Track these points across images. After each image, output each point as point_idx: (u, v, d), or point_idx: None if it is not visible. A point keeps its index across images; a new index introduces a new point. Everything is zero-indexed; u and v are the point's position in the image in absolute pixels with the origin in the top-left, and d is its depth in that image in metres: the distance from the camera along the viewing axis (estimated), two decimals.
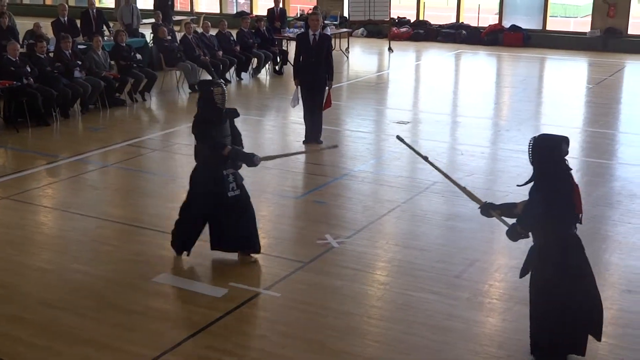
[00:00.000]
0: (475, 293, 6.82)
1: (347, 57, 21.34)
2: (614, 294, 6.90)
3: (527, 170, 10.93)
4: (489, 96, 16.65)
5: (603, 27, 22.88)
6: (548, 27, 24.15)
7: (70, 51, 13.79)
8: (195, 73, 16.23)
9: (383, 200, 9.34)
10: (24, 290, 6.91)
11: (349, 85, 17.37)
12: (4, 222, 8.66)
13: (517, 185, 5.84)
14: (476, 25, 24.98)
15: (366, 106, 15.09)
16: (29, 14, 27.44)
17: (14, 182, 9.99)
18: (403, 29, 25.04)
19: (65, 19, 17.21)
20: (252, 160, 7.18)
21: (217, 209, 7.21)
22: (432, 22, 25.39)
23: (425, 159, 6.85)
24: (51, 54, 14.08)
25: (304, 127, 11.95)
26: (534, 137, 5.57)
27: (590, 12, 23.51)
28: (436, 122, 13.64)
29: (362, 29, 25.65)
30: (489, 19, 26.47)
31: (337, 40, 21.73)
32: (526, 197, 5.70)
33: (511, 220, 5.77)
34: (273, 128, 13.65)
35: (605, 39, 22.74)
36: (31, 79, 12.77)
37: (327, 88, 11.68)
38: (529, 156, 5.55)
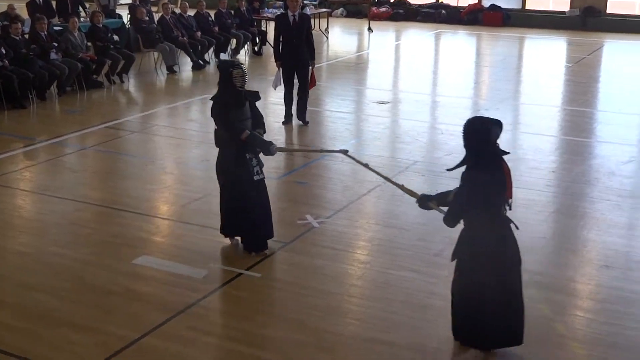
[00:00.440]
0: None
1: (327, 37, 21.27)
2: (591, 270, 6.97)
3: (506, 148, 11.00)
4: (468, 76, 16.67)
5: (582, 6, 22.96)
6: (527, 7, 24.21)
7: (45, 33, 13.63)
8: (174, 54, 16.13)
9: (363, 180, 9.34)
10: (2, 274, 6.86)
11: (329, 66, 17.32)
12: None
13: (447, 170, 5.68)
14: (456, 4, 24.97)
15: (346, 86, 15.07)
16: None
17: None
18: (383, 9, 24.99)
19: (41, 0, 17.00)
20: (268, 149, 6.85)
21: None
22: (411, 2, 25.37)
23: (366, 165, 6.76)
24: (26, 36, 13.92)
25: (283, 108, 11.92)
26: (468, 119, 5.42)
27: None
28: (416, 101, 13.65)
29: (341, 9, 25.58)
30: None
31: (317, 21, 21.66)
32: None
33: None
34: None
35: (584, 18, 22.83)
36: (6, 61, 12.62)
37: (310, 68, 11.63)
38: (463, 139, 5.36)
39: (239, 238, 7.25)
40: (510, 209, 5.38)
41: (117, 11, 19.20)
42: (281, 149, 7.35)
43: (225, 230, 7.25)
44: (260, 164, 7.01)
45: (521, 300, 5.41)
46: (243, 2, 18.65)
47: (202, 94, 14.26)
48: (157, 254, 7.28)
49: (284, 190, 9.13)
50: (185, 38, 16.41)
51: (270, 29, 20.65)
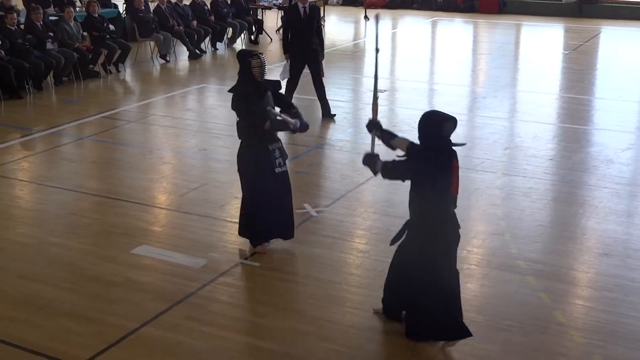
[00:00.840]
0: None
1: (323, 26, 21.20)
2: (590, 257, 6.98)
3: (504, 136, 11.04)
4: (465, 63, 16.65)
5: None
6: None
7: (41, 23, 13.57)
8: (169, 44, 16.08)
9: (361, 169, 9.25)
10: (1, 265, 6.85)
11: (326, 54, 17.21)
12: None
13: (397, 157, 5.60)
14: None
15: (343, 75, 15.04)
16: None
17: None
18: None
19: None
20: (293, 128, 6.67)
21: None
22: None
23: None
24: (22, 26, 13.86)
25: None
26: (425, 112, 5.48)
27: None
28: (413, 90, 13.63)
29: None
30: None
31: None
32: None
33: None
34: None
35: (580, 5, 22.79)
36: (2, 52, 12.58)
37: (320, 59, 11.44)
38: (418, 131, 5.39)
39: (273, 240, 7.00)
40: (455, 206, 5.44)
41: (113, 1, 19.11)
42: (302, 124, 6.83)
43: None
44: (283, 156, 6.83)
45: (457, 292, 5.50)
46: None
47: (199, 84, 14.24)
48: (156, 243, 7.27)
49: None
50: (181, 27, 16.36)
51: (267, 17, 20.67)
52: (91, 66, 14.50)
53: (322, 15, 21.63)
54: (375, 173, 5.58)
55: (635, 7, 22.64)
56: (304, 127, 6.81)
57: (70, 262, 6.85)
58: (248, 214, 6.88)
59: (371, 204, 8.33)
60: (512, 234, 7.40)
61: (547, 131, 11.09)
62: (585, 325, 5.82)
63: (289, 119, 6.68)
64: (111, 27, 15.22)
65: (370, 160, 5.60)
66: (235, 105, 6.84)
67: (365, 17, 22.21)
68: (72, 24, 14.22)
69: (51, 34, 13.64)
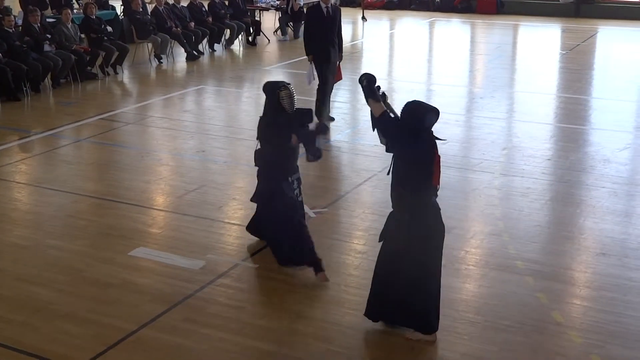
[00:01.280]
0: (452, 260, 6.86)
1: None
2: (588, 257, 6.98)
3: (502, 136, 11.05)
4: (463, 64, 16.66)
5: None
6: None
7: (39, 25, 13.57)
8: (166, 45, 16.08)
9: (359, 170, 9.34)
10: (0, 267, 6.85)
11: None
12: None
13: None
14: None
15: None
16: None
17: None
18: None
19: None
20: (325, 132, 6.71)
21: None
22: None
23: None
24: (19, 28, 13.86)
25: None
26: (408, 101, 5.55)
27: None
28: (411, 90, 13.63)
29: None
30: None
31: None
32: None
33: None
34: (248, 99, 13.57)
35: (577, 5, 22.82)
36: (0, 54, 12.57)
37: (337, 62, 11.28)
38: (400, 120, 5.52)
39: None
40: (436, 196, 5.55)
41: (110, 2, 19.10)
42: (323, 126, 6.83)
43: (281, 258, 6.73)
44: (299, 187, 6.73)
45: (438, 285, 5.60)
46: None
47: (197, 85, 14.23)
48: (154, 245, 7.27)
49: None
50: (179, 29, 16.36)
51: (264, 19, 20.67)
52: (89, 68, 14.49)
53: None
54: (371, 98, 5.71)
55: (632, 7, 22.66)
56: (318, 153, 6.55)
57: (67, 264, 6.85)
58: (291, 241, 6.56)
59: (369, 204, 8.33)
60: (510, 234, 7.41)
61: (545, 131, 11.10)
62: (583, 325, 5.82)
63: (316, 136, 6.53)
64: (109, 28, 15.21)
65: (371, 91, 5.72)
66: (262, 135, 6.61)
67: (363, 17, 22.21)
68: (69, 26, 14.21)
69: (49, 36, 13.64)
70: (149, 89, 14.23)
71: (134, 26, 16.12)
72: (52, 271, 6.72)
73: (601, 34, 20.34)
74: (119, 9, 18.84)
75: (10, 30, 13.10)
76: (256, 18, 19.69)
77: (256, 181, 6.90)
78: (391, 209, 5.65)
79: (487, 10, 23.42)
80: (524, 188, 8.62)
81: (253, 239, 7.30)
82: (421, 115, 5.39)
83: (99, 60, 14.67)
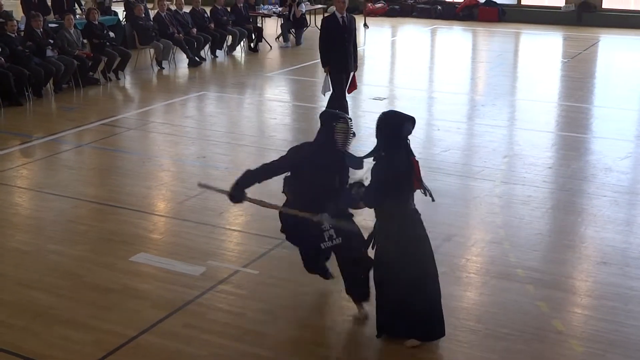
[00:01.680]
0: (453, 267, 6.86)
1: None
2: (589, 266, 6.97)
3: (503, 144, 11.04)
4: (464, 71, 16.66)
5: (577, 1, 22.96)
6: (523, 2, 24.19)
7: (41, 30, 13.60)
8: (168, 51, 16.10)
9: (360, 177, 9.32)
10: (0, 272, 6.85)
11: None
12: None
13: (363, 157, 5.67)
14: (451, 0, 24.95)
15: None
16: None
17: None
18: (378, 5, 24.96)
19: None
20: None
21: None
22: None
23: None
24: (22, 33, 13.88)
25: (279, 103, 11.88)
26: (383, 112, 5.55)
27: None
28: (412, 97, 13.64)
29: None
30: None
31: (312, 17, 21.66)
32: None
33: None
34: (249, 106, 13.58)
35: (579, 13, 22.83)
36: (2, 59, 12.60)
37: (352, 71, 11.06)
38: (375, 130, 5.46)
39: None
40: (425, 193, 5.55)
41: (113, 8, 19.15)
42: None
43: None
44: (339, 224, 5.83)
45: (438, 290, 5.62)
46: None
47: (198, 91, 14.25)
48: (155, 251, 7.27)
49: (280, 187, 9.10)
50: (181, 35, 16.38)
51: (266, 25, 20.69)
52: (91, 73, 14.51)
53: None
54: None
55: (634, 16, 22.67)
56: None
57: (68, 270, 6.85)
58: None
59: (370, 212, 8.26)
60: (511, 242, 7.40)
61: (546, 139, 11.10)
62: (584, 334, 5.81)
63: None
64: (111, 34, 15.25)
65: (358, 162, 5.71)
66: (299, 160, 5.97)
67: (365, 25, 22.23)
68: (72, 32, 14.23)
69: (51, 41, 13.66)
70: (150, 95, 14.24)
71: (136, 32, 16.15)
72: (53, 276, 6.72)
73: (603, 43, 20.36)
74: (122, 15, 18.87)
75: (13, 35, 13.13)
76: (258, 25, 19.71)
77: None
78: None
79: (488, 18, 23.44)
80: (525, 196, 8.62)
81: (253, 244, 7.30)
82: (399, 125, 5.40)
83: (101, 66, 14.69)
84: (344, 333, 5.82)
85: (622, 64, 17.37)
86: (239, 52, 18.30)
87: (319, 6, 22.53)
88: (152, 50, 16.21)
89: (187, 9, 17.46)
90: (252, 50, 18.61)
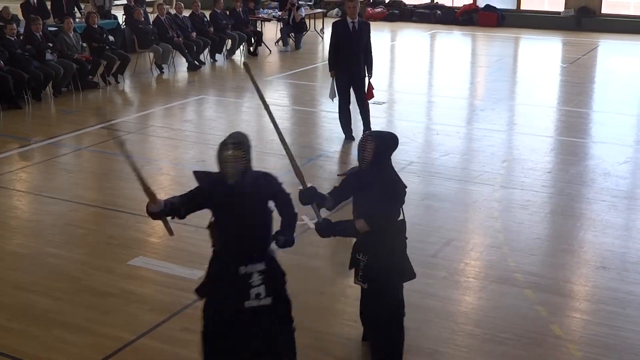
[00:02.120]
0: (452, 272, 6.86)
1: (322, 38, 21.26)
2: (588, 271, 6.97)
3: (502, 149, 11.03)
4: (464, 76, 16.67)
5: (577, 6, 22.98)
6: (522, 7, 24.21)
7: (40, 33, 13.61)
8: (167, 55, 16.12)
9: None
10: None
11: (324, 66, 17.25)
12: None
13: (338, 175, 5.48)
14: (451, 5, 24.97)
15: None
16: None
17: None
18: (378, 9, 24.99)
19: (35, 0, 16.95)
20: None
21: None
22: (406, 3, 25.36)
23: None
24: (21, 37, 13.89)
25: (279, 107, 11.88)
26: (373, 134, 5.24)
27: None
28: (412, 102, 13.65)
29: (336, 9, 25.53)
30: None
31: (312, 21, 21.68)
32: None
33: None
34: (249, 109, 13.58)
35: (578, 18, 22.85)
36: (1, 62, 12.60)
37: (367, 78, 10.89)
38: (368, 153, 5.08)
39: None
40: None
41: (113, 12, 19.16)
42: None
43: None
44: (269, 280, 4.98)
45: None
46: (238, 3, 18.62)
47: (198, 95, 14.25)
48: (153, 255, 7.27)
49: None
50: (180, 39, 16.39)
51: (266, 29, 20.71)
52: (90, 77, 14.52)
53: (321, 26, 21.75)
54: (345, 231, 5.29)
55: (633, 21, 22.69)
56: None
57: (66, 273, 6.84)
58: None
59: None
60: (509, 246, 7.40)
61: (545, 144, 11.10)
62: (582, 338, 5.81)
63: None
64: (110, 38, 15.26)
65: (326, 226, 5.22)
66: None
67: None
68: (71, 35, 14.25)
69: (50, 45, 13.68)
70: (150, 99, 14.25)
71: (135, 36, 16.17)
72: (51, 279, 6.71)
73: (602, 48, 20.37)
74: (121, 19, 18.88)
75: (12, 39, 13.14)
76: (258, 29, 19.72)
77: None
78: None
79: (488, 23, 23.46)
80: (524, 201, 8.62)
81: None
82: (395, 145, 5.29)
83: (101, 69, 14.70)
84: (343, 337, 5.81)
85: (622, 69, 17.37)
86: (239, 56, 18.31)
87: (319, 10, 22.57)
88: (151, 54, 16.22)
89: (186, 13, 17.47)
90: (252, 55, 18.63)
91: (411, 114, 12.80)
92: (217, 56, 17.72)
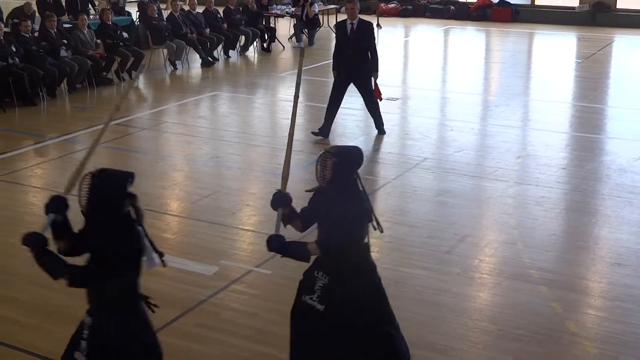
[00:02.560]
0: (466, 268, 6.84)
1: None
2: (603, 267, 6.93)
3: (516, 145, 10.99)
4: (478, 72, 16.63)
5: (591, 1, 22.86)
6: (536, 2, 24.11)
7: (55, 30, 13.66)
8: (181, 51, 16.15)
9: (373, 177, 9.33)
10: (13, 271, 6.88)
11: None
12: None
13: (306, 191, 5.10)
14: (464, 0, 24.89)
15: None
16: None
17: (1, 163, 9.93)
18: (391, 5, 24.94)
19: None
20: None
21: None
22: None
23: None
24: (36, 34, 13.96)
25: (292, 104, 11.83)
26: (333, 149, 4.84)
27: None
28: (425, 98, 13.62)
29: None
30: None
31: (325, 17, 21.66)
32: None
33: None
34: (262, 106, 13.59)
35: (593, 14, 22.72)
36: (17, 59, 12.66)
37: (372, 79, 10.78)
38: (328, 171, 4.71)
39: None
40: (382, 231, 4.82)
41: (127, 8, 19.20)
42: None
43: None
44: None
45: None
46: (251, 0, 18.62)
47: (211, 91, 14.27)
48: (167, 250, 7.21)
49: (292, 186, 9.08)
50: (194, 35, 16.42)
51: (279, 25, 20.72)
52: (104, 73, 14.57)
53: (335, 22, 21.71)
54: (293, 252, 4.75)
55: None
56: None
57: None
58: None
59: (382, 212, 8.29)
60: (524, 243, 7.37)
61: (560, 140, 11.05)
62: (597, 335, 5.79)
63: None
64: (124, 34, 15.31)
65: (276, 242, 4.69)
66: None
67: (378, 25, 22.20)
68: (85, 32, 14.30)
69: (65, 42, 13.73)
70: (163, 95, 14.28)
71: (149, 32, 16.21)
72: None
73: (617, 43, 20.25)
74: (135, 15, 18.93)
75: (27, 36, 13.20)
76: (271, 25, 19.72)
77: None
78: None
79: (502, 19, 23.37)
80: (539, 197, 8.58)
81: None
82: (360, 161, 4.81)
83: (115, 66, 14.74)
84: None
85: (637, 65, 17.28)
86: (252, 53, 18.33)
87: (332, 6, 22.53)
88: (165, 51, 16.26)
89: (200, 9, 17.49)
90: (265, 51, 18.63)
91: (425, 110, 12.77)
92: (231, 52, 17.74)
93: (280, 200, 4.84)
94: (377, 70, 10.78)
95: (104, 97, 13.86)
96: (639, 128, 11.67)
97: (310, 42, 19.56)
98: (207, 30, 16.91)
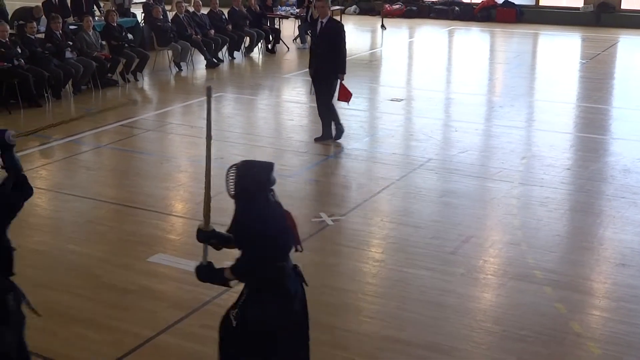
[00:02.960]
0: (470, 269, 6.84)
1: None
2: (608, 268, 6.93)
3: (521, 145, 10.99)
4: (482, 73, 16.62)
5: (596, 2, 22.83)
6: (541, 3, 24.09)
7: (60, 32, 13.69)
8: (186, 53, 16.17)
9: (377, 178, 9.33)
10: (18, 272, 6.84)
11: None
12: None
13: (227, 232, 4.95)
14: (469, 1, 24.88)
15: (359, 84, 15.00)
16: None
17: None
18: (396, 6, 24.94)
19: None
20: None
21: None
22: None
23: None
24: (41, 35, 13.99)
25: (297, 105, 11.90)
26: (238, 165, 4.67)
27: None
28: (430, 99, 13.61)
29: (354, 7, 25.56)
30: None
31: None
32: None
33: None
34: (266, 107, 13.60)
35: (598, 14, 22.69)
36: (22, 60, 12.69)
37: (337, 80, 10.66)
38: (230, 186, 4.61)
39: None
40: (301, 251, 4.79)
41: (132, 10, 19.24)
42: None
43: None
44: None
45: None
46: (253, 1, 18.62)
47: (216, 92, 14.28)
48: (172, 251, 7.30)
49: (297, 187, 9.13)
50: (199, 36, 16.44)
51: (284, 27, 20.73)
52: (109, 75, 14.60)
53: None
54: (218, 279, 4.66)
55: None
56: None
57: (86, 270, 6.89)
58: None
59: (387, 213, 8.32)
60: (528, 243, 7.37)
61: (564, 140, 11.04)
62: (602, 336, 5.78)
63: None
64: (129, 36, 15.32)
65: (205, 271, 4.71)
66: None
67: (382, 26, 22.23)
68: (90, 33, 14.33)
69: (70, 43, 13.76)
70: (168, 96, 14.31)
71: (154, 34, 16.23)
72: (71, 277, 6.76)
73: (622, 44, 20.22)
74: (140, 17, 18.96)
75: (33, 37, 13.23)
76: (276, 26, 19.74)
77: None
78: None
79: (506, 19, 23.35)
80: (543, 197, 8.58)
81: None
82: (265, 176, 4.54)
83: (120, 67, 14.77)
84: (361, 334, 5.81)
85: None
86: (257, 54, 18.34)
87: (336, 7, 22.53)
88: (170, 52, 16.28)
89: (205, 11, 17.51)
90: (270, 52, 18.65)
91: (429, 110, 12.77)
92: (236, 54, 17.75)
93: (202, 237, 4.90)
94: (343, 72, 10.64)
95: (109, 98, 13.88)
96: None
97: None
98: (212, 31, 16.93)
